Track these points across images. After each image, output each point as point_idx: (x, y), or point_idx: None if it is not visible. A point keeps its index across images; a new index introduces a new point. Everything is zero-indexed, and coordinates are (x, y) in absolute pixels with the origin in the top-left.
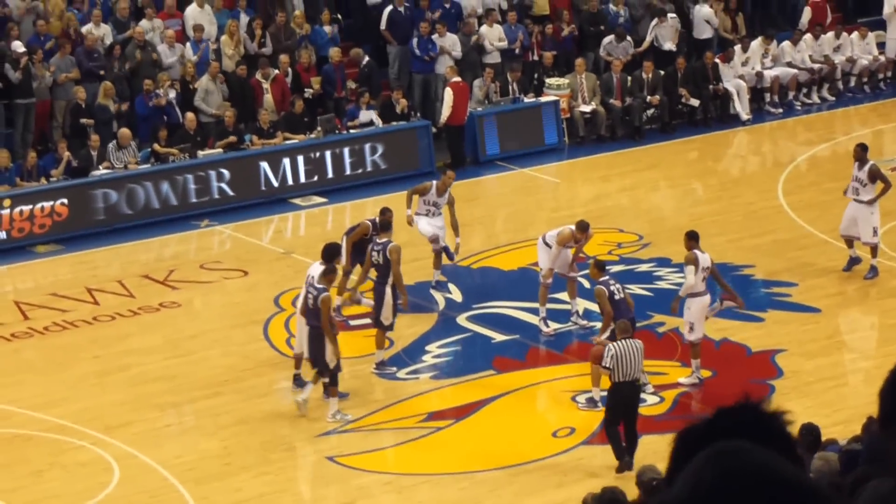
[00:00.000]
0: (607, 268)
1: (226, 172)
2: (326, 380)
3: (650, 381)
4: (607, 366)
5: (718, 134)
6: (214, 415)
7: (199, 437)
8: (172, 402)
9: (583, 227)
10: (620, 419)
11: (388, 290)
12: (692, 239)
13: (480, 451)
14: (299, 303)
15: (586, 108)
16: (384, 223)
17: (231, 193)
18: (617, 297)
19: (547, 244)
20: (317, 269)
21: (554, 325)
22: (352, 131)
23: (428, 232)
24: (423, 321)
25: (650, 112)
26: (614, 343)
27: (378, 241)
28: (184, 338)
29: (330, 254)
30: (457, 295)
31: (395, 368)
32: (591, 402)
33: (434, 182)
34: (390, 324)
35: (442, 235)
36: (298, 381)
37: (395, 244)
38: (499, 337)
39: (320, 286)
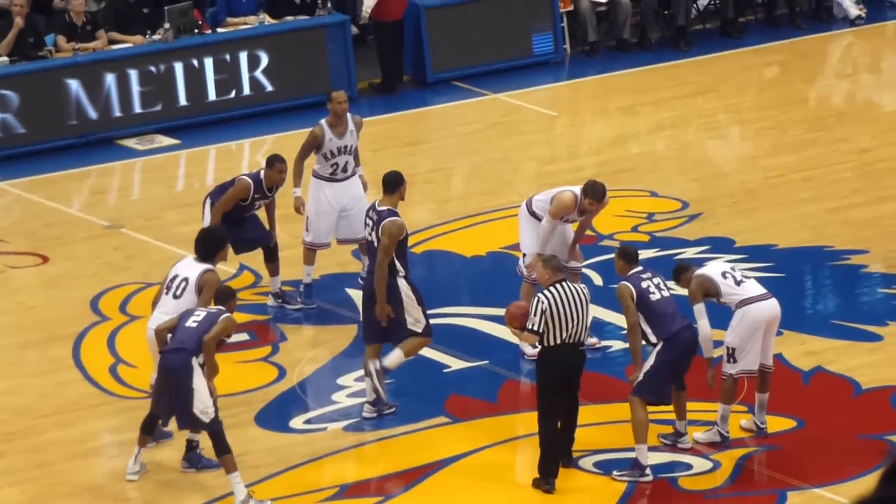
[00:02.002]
0: (639, 255)
1: (11, 96)
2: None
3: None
4: (536, 329)
5: (813, 39)
6: None
7: None
8: None
9: (595, 191)
10: (560, 403)
11: (403, 281)
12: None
13: None
14: (155, 320)
15: None
16: (392, 181)
17: (20, 130)
18: (654, 296)
19: (534, 214)
20: (189, 268)
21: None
22: (221, 31)
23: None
24: (333, 339)
25: (703, 3)
26: (544, 293)
27: (378, 207)
28: None
29: (212, 243)
30: None
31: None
32: (636, 469)
33: (321, 122)
34: (426, 325)
35: (360, 211)
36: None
37: (393, 219)
38: (456, 364)
39: (213, 310)
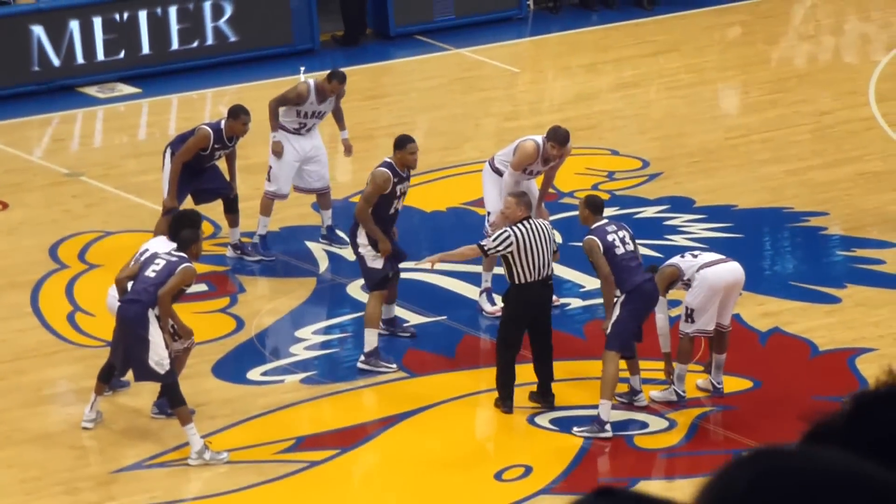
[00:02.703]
0: (604, 205)
1: None
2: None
3: None
4: (486, 249)
5: (776, 0)
6: None
7: None
8: None
9: (558, 136)
10: (520, 337)
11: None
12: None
13: (377, 502)
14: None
15: None
16: (396, 142)
17: None
18: (619, 250)
19: (497, 170)
20: (160, 245)
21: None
22: None
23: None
24: (292, 291)
25: None
26: (513, 228)
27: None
28: None
29: (185, 234)
30: (349, 251)
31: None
32: (596, 424)
33: (311, 83)
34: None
35: (321, 159)
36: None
37: (381, 169)
38: (414, 318)
39: (174, 258)
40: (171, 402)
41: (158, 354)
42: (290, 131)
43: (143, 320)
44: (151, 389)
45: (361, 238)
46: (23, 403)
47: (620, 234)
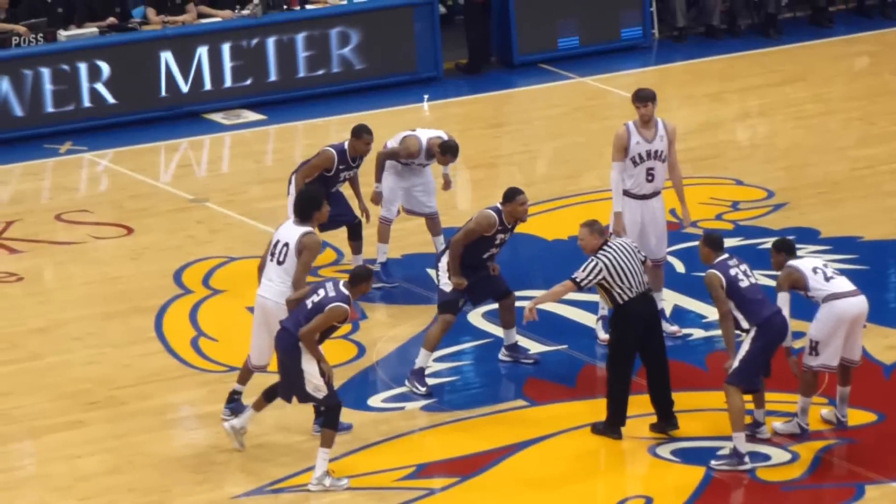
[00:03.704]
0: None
1: (103, 67)
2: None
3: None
4: (579, 282)
5: None
6: (72, 457)
7: (46, 495)
8: (3, 436)
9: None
10: (632, 358)
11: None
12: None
13: None
14: (263, 287)
15: None
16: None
17: (110, 101)
18: (744, 283)
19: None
20: (289, 231)
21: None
22: (310, 7)
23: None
24: (413, 317)
25: None
26: (600, 253)
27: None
28: (26, 332)
29: (308, 203)
30: None
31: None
32: (734, 457)
33: (421, 140)
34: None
35: (428, 188)
36: (234, 404)
37: (488, 212)
38: (535, 347)
39: (332, 293)
40: (326, 422)
41: (313, 384)
42: (400, 163)
43: (295, 351)
44: (273, 416)
45: (443, 262)
46: (146, 428)
47: (742, 267)
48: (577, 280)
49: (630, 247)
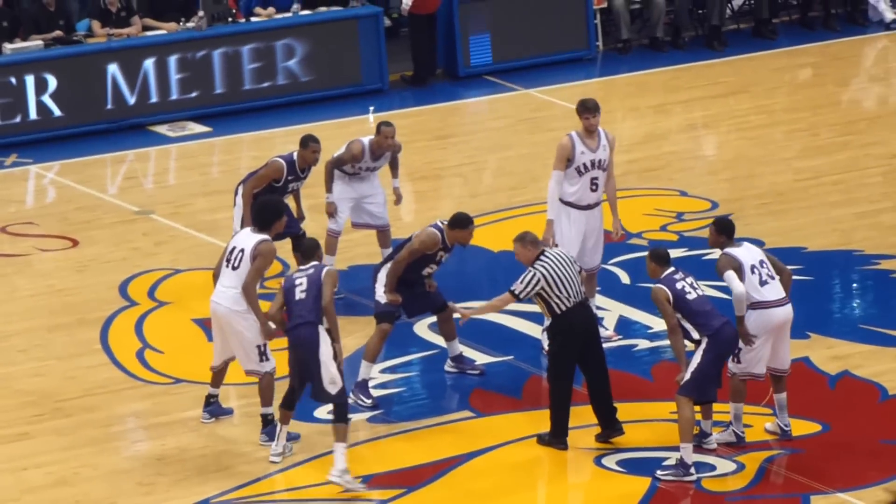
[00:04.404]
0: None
1: (50, 80)
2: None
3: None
4: (518, 294)
5: (846, 42)
6: (18, 469)
7: None
8: None
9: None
10: (573, 368)
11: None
12: (722, 233)
13: None
14: (217, 293)
15: None
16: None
17: (57, 114)
18: (691, 296)
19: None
20: (246, 239)
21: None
22: (255, 20)
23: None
24: (359, 330)
25: (738, 3)
26: (537, 264)
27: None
28: None
29: (268, 213)
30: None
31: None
32: (680, 468)
33: (364, 141)
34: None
35: (378, 199)
36: (213, 408)
37: (432, 230)
38: (481, 358)
39: (310, 270)
40: (337, 417)
41: (330, 373)
42: (346, 173)
43: (316, 340)
44: (220, 428)
45: (381, 273)
46: (91, 440)
47: (688, 280)
48: (516, 292)
49: (566, 257)
